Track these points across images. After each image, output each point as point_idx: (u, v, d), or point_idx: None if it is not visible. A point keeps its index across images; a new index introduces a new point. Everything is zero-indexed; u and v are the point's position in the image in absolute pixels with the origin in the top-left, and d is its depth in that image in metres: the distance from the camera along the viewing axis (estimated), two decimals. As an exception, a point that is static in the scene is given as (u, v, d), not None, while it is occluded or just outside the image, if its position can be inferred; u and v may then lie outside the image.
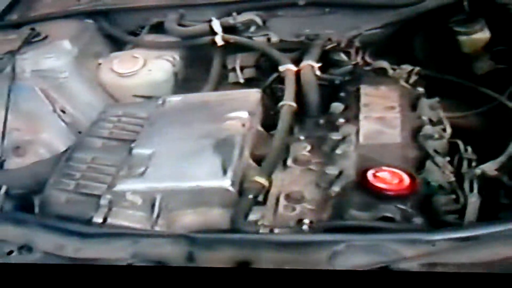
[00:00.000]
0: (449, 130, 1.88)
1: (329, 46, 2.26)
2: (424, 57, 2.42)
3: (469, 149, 1.79)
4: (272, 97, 2.14)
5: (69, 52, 2.38)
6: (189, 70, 2.51)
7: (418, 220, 1.51)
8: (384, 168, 1.61)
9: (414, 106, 1.95)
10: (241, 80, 2.40)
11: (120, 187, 1.72)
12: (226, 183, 1.65)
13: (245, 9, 2.48)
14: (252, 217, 1.60)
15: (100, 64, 2.47)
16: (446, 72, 2.29)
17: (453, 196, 1.59)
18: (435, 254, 1.36)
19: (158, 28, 2.57)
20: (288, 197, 1.66)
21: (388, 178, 1.58)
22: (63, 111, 2.33)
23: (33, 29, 2.50)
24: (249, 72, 2.41)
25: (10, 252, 1.58)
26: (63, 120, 2.33)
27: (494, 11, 2.27)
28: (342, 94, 2.03)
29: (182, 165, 1.75)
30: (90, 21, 2.60)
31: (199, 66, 2.50)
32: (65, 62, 2.36)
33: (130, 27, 2.64)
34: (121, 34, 2.60)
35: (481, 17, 2.31)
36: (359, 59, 2.26)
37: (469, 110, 2.14)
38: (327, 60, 2.23)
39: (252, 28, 2.44)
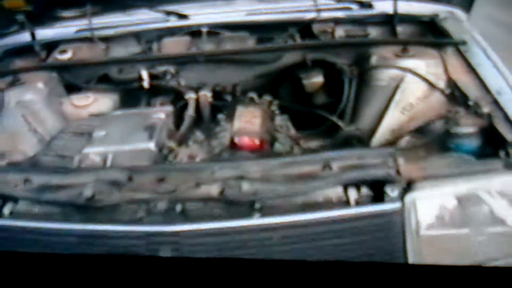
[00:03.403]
0: (292, 130, 3.07)
1: (218, 89, 3.35)
2: (286, 95, 3.49)
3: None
4: (181, 114, 3.20)
5: (42, 91, 3.31)
6: (124, 106, 3.42)
7: None
8: (244, 137, 2.75)
9: (272, 119, 3.12)
10: None
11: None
12: (151, 145, 2.73)
13: (164, 63, 3.42)
14: None
15: (62, 102, 3.41)
16: (297, 104, 3.39)
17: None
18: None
19: (104, 78, 3.47)
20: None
21: (246, 141, 2.73)
22: (36, 131, 3.19)
23: (15, 77, 3.43)
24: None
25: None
26: (35, 137, 3.18)
27: (327, 66, 3.34)
28: (225, 111, 3.17)
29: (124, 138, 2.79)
30: (54, 73, 3.48)
31: (131, 104, 3.44)
32: (39, 97, 3.27)
33: (83, 77, 3.50)
34: (77, 82, 3.48)
35: (319, 68, 3.29)
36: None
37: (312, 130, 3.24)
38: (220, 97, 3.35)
39: (168, 76, 3.35)
